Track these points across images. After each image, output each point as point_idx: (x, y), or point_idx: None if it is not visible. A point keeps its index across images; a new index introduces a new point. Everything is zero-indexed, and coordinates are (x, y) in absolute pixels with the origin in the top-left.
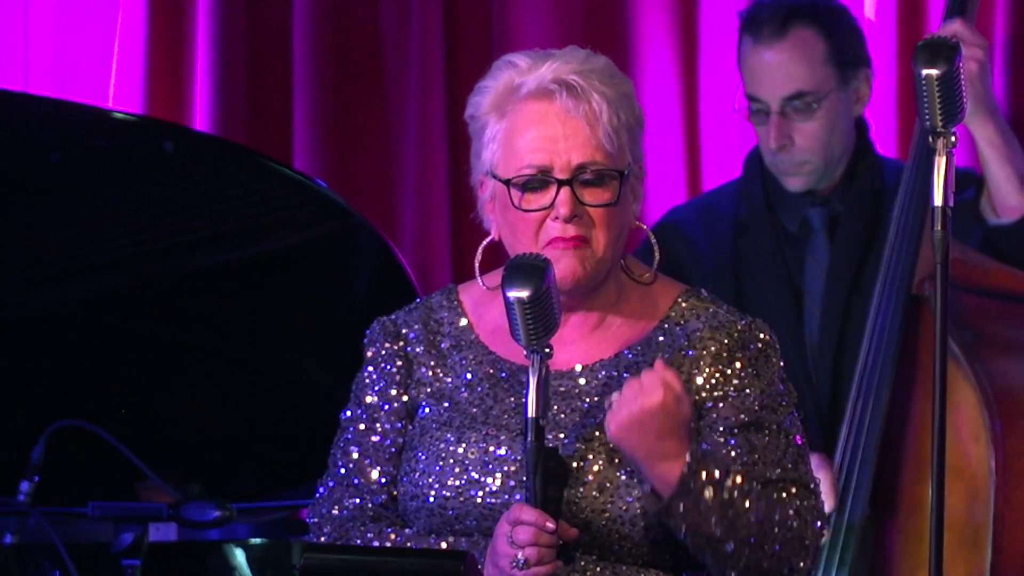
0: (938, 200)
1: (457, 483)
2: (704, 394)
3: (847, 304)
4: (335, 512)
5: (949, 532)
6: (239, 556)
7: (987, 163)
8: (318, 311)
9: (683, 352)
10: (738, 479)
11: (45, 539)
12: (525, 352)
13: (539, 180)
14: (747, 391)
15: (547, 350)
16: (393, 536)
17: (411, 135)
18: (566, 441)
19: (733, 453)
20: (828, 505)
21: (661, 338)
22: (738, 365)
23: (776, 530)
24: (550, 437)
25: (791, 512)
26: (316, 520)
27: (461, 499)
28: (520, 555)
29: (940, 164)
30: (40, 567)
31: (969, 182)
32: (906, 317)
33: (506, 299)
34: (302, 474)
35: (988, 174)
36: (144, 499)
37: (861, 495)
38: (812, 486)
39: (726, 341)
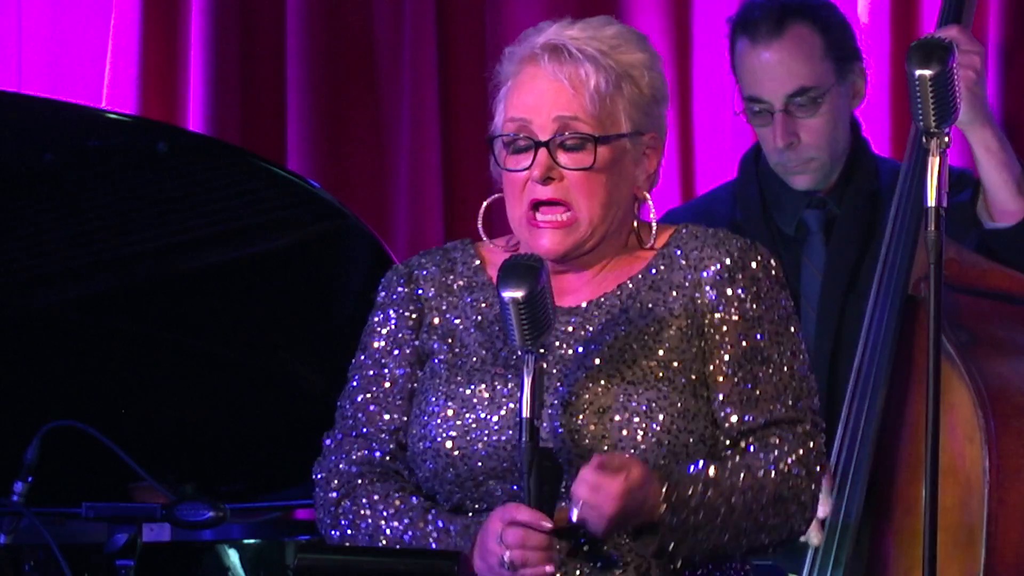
0: (931, 201)
1: (461, 422)
2: (709, 315)
3: (843, 306)
4: (343, 467)
5: (943, 532)
6: (233, 557)
7: (984, 169)
8: (311, 311)
9: (683, 273)
10: (712, 471)
11: (39, 539)
12: (519, 352)
13: (521, 140)
14: (749, 313)
15: (541, 350)
16: (398, 503)
17: (404, 135)
18: (566, 371)
19: (736, 384)
20: (821, 512)
21: (661, 265)
22: (740, 289)
23: (769, 510)
24: (554, 372)
25: (784, 469)
26: (323, 475)
27: (467, 438)
28: (507, 556)
29: (933, 165)
30: (34, 568)
31: (965, 184)
32: (902, 318)
33: (500, 299)
34: (295, 474)
35: (985, 179)
36: (138, 500)
37: (856, 495)
38: (811, 425)
39: (727, 261)
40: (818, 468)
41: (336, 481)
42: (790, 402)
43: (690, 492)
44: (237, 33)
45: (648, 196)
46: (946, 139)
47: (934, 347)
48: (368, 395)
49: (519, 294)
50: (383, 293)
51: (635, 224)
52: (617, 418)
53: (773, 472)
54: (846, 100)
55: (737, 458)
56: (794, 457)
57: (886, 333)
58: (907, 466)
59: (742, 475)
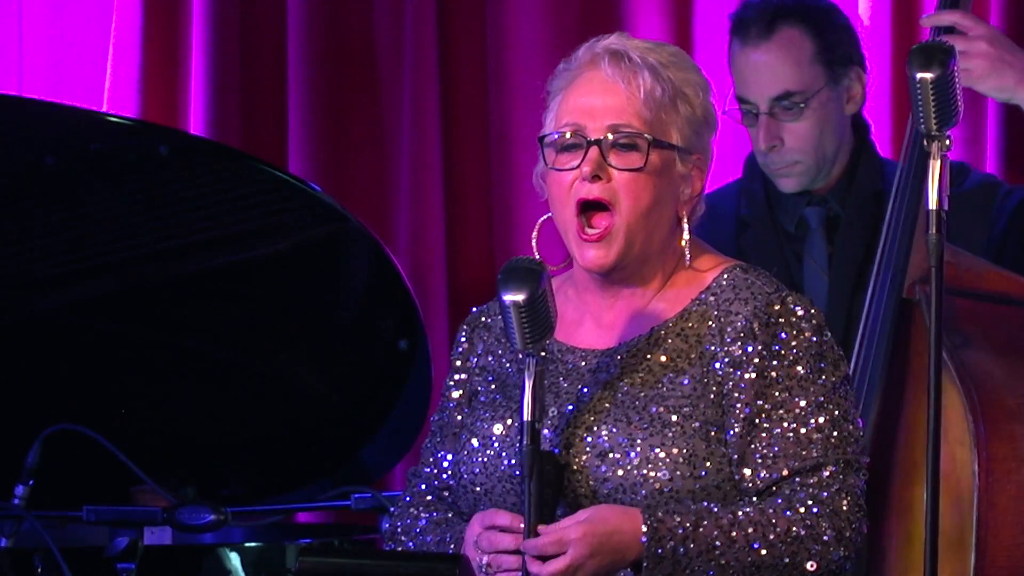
0: (933, 204)
1: (483, 459)
2: (728, 370)
3: (850, 306)
4: (406, 497)
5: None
6: (234, 560)
7: None
8: (312, 315)
9: (712, 325)
10: (712, 506)
11: (40, 543)
12: (520, 355)
13: (572, 141)
14: (766, 372)
15: (542, 353)
16: (429, 524)
17: (405, 138)
18: (578, 411)
19: (750, 444)
20: None
21: (695, 310)
22: (760, 345)
23: (780, 547)
24: (568, 410)
25: (800, 509)
26: (394, 508)
27: (486, 475)
28: (483, 560)
29: (935, 168)
30: (35, 571)
31: (963, 175)
32: (897, 321)
33: (501, 302)
34: (296, 478)
35: None
36: (139, 503)
37: None
38: (838, 466)
39: (750, 314)
40: (844, 506)
41: (397, 511)
42: (814, 452)
43: (677, 521)
44: (238, 36)
45: (686, 218)
46: (947, 142)
47: (935, 351)
48: (433, 437)
49: (520, 297)
50: (456, 345)
51: (682, 243)
52: (618, 459)
53: (788, 512)
54: (837, 104)
55: (745, 498)
56: (811, 500)
57: (881, 336)
58: (902, 469)
59: (747, 511)
